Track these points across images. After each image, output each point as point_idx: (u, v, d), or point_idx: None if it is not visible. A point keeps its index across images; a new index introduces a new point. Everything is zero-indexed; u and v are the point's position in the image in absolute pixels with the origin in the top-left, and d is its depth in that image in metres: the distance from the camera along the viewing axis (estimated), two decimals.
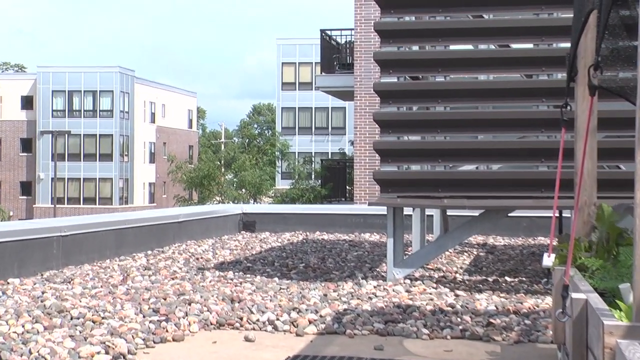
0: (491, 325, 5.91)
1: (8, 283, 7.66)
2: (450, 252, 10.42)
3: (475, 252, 10.84)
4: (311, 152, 55.41)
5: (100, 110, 62.97)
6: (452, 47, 8.72)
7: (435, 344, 5.53)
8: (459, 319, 6.10)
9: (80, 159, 63.03)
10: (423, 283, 7.79)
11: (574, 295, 3.49)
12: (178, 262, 9.53)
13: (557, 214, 7.01)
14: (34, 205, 63.05)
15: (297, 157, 49.26)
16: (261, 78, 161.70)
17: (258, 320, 6.06)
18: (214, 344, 5.48)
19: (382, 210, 10.49)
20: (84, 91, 62.89)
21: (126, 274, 8.33)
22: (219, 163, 42.82)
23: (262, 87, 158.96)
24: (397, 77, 8.54)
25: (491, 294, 7.27)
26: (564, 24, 7.38)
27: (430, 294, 7.24)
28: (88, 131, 62.87)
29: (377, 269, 8.94)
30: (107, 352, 5.04)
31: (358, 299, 6.92)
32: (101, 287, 7.47)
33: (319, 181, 34.14)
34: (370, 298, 6.99)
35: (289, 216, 14.42)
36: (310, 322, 5.98)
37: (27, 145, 64.30)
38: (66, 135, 60.82)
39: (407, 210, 9.23)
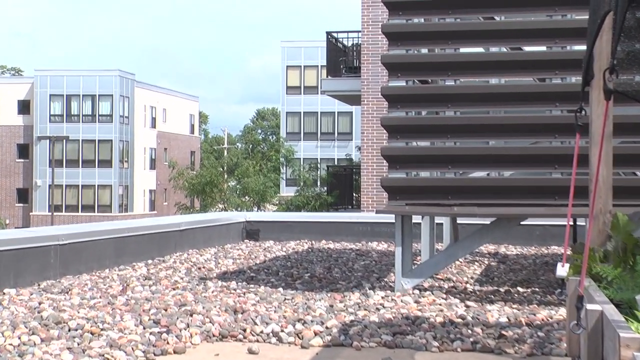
0: (503, 338, 5.84)
1: (4, 293, 7.62)
2: (461, 262, 10.34)
3: (487, 262, 10.76)
4: (317, 158, 55.33)
5: (99, 115, 62.24)
6: (462, 49, 8.65)
7: (445, 356, 5.49)
8: (469, 331, 6.03)
9: (79, 165, 62.21)
10: (432, 293, 7.72)
11: (589, 306, 3.44)
12: (179, 271, 9.46)
13: (571, 223, 6.90)
14: (30, 213, 62.55)
15: (302, 163, 49.15)
16: (265, 82, 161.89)
17: (262, 331, 6.00)
18: (216, 357, 5.43)
19: (390, 218, 10.42)
20: (83, 95, 62.13)
21: (126, 284, 8.26)
22: (221, 169, 42.72)
23: (266, 91, 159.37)
24: (405, 81, 8.46)
25: (503, 305, 7.20)
26: (577, 26, 7.30)
27: (440, 304, 7.17)
28: (87, 136, 62.09)
29: (385, 279, 8.87)
30: None
31: (365, 309, 6.85)
32: (100, 297, 7.41)
33: (325, 188, 34.14)
34: (377, 309, 6.92)
35: (294, 224, 14.37)
36: (315, 334, 5.93)
37: (24, 151, 63.56)
38: (64, 140, 59.57)
39: (416, 219, 9.16)
